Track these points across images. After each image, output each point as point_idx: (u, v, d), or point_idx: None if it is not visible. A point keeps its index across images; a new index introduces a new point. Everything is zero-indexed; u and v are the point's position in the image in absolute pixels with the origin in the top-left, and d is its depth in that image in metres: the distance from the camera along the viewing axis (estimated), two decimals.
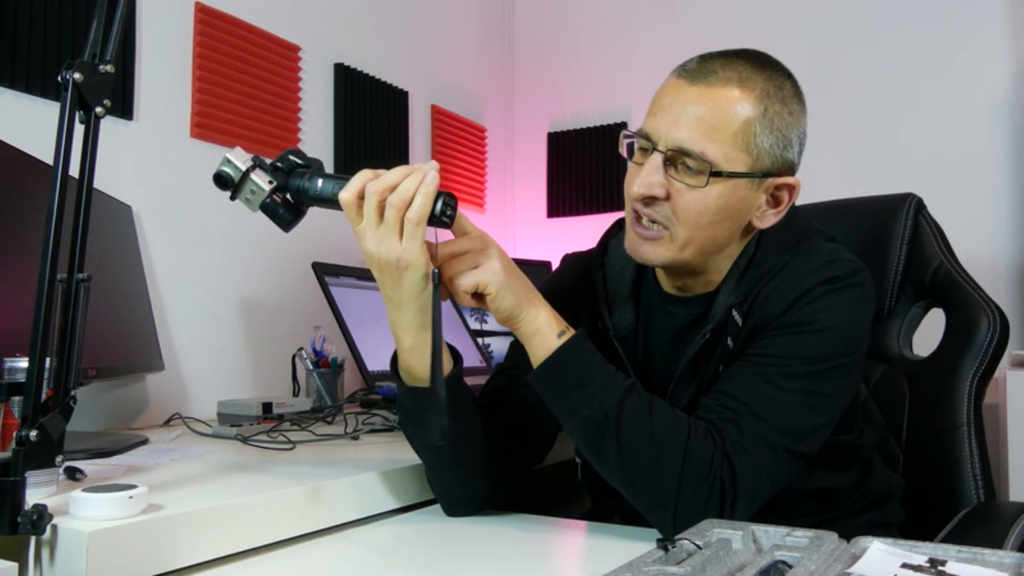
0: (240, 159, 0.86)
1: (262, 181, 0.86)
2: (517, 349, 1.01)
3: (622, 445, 0.86)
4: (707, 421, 0.89)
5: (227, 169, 0.86)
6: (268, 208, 0.88)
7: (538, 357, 0.90)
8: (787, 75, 0.95)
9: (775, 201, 0.96)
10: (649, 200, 0.92)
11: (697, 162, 0.89)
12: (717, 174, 0.89)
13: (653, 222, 0.94)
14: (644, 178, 0.91)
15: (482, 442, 0.97)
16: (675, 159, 0.91)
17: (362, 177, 0.84)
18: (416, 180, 0.82)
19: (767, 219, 0.97)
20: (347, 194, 0.84)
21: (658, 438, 0.86)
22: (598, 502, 1.15)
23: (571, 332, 0.91)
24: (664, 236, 0.94)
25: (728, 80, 0.90)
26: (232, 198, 0.88)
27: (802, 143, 0.96)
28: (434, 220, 0.84)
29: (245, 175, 0.86)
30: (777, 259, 0.96)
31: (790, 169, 0.95)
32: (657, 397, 0.91)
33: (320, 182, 0.88)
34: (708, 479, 0.85)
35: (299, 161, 0.89)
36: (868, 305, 0.97)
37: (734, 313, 0.95)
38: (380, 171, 0.85)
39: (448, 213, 0.85)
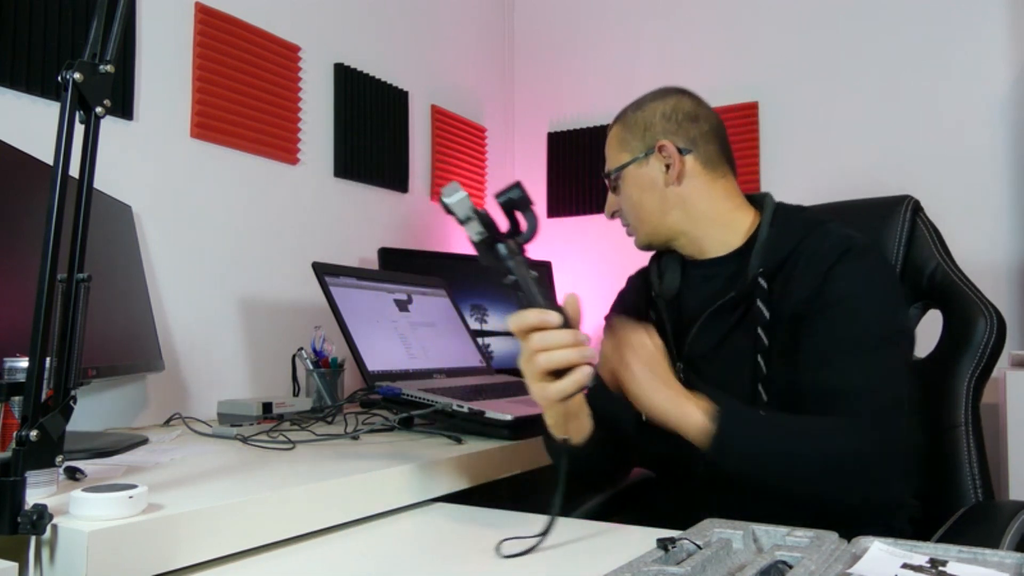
0: (462, 210, 0.89)
1: (472, 232, 0.91)
2: None
3: (797, 471, 0.97)
4: (836, 417, 0.98)
5: (447, 206, 0.90)
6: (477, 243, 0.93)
7: (701, 443, 0.98)
8: (639, 100, 1.24)
9: (670, 165, 1.18)
10: (614, 215, 1.26)
11: (614, 175, 1.23)
12: (620, 170, 1.21)
13: (626, 225, 1.25)
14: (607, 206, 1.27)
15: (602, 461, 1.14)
16: (613, 180, 1.23)
17: (535, 318, 0.89)
18: (578, 357, 0.88)
19: (676, 176, 1.18)
20: (515, 326, 0.90)
21: (826, 456, 0.97)
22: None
23: (713, 407, 0.98)
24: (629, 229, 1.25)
25: (612, 124, 1.26)
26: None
27: (667, 118, 1.19)
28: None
29: (462, 221, 0.91)
30: (792, 236, 1.12)
31: (658, 140, 1.19)
32: (799, 418, 1.01)
33: (512, 277, 0.91)
34: (872, 468, 0.96)
35: (516, 214, 0.92)
36: (891, 267, 1.19)
37: (760, 281, 1.10)
38: (551, 317, 0.88)
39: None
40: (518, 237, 0.92)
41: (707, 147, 1.18)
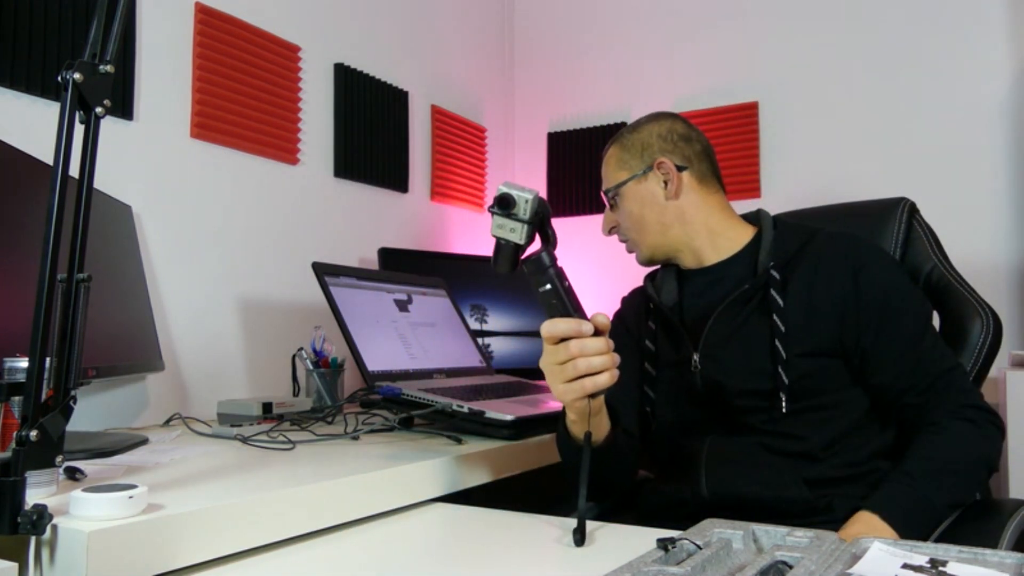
0: (530, 211, 0.92)
1: (521, 237, 0.93)
2: None
3: (961, 484, 1.07)
4: (936, 424, 1.09)
5: (517, 202, 0.92)
6: (500, 245, 0.95)
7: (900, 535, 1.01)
8: (634, 123, 1.32)
9: (668, 181, 1.26)
10: (612, 231, 1.33)
11: (612, 193, 1.30)
12: (619, 187, 1.29)
13: (624, 241, 1.32)
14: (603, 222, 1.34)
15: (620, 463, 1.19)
16: (611, 198, 1.31)
17: (568, 327, 0.94)
18: (610, 363, 0.95)
19: (675, 191, 1.26)
20: (548, 333, 0.94)
21: (966, 463, 1.07)
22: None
23: (883, 513, 1.02)
24: (630, 244, 1.32)
25: (608, 146, 1.33)
26: (497, 215, 0.93)
27: (663, 139, 1.27)
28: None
29: (525, 222, 0.92)
30: (797, 238, 1.21)
31: (656, 158, 1.27)
32: (927, 454, 1.08)
33: (548, 286, 0.93)
34: (995, 427, 1.10)
35: (546, 230, 0.96)
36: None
37: (773, 272, 1.17)
38: (586, 327, 0.94)
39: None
40: (547, 247, 0.95)
41: (700, 165, 1.27)
